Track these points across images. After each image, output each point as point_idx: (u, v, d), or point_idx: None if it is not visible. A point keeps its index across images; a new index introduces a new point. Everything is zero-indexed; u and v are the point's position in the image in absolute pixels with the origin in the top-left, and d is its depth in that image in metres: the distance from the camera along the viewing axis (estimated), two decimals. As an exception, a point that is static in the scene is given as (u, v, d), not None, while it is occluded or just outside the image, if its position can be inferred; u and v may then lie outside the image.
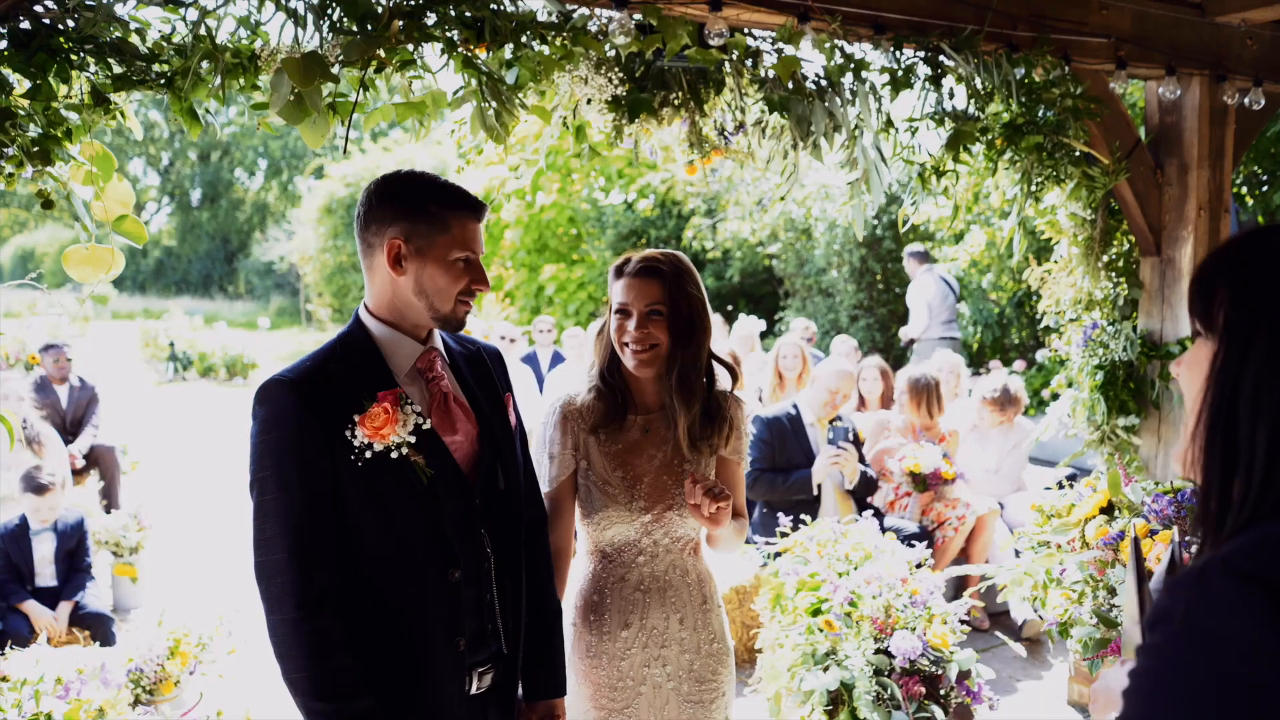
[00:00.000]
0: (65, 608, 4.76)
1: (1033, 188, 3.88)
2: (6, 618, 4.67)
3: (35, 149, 2.35)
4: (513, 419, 2.19)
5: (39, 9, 2.34)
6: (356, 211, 1.99)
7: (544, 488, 2.36)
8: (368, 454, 1.89)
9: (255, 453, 1.92)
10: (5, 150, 2.35)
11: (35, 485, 4.89)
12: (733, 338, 8.73)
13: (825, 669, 3.49)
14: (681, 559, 2.41)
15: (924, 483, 5.53)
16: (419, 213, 1.93)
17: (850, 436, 5.12)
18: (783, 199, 3.82)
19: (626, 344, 2.33)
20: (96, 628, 4.77)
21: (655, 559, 2.39)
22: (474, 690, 2.04)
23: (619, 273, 2.38)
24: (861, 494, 5.25)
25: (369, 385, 1.93)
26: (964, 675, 3.58)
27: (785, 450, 5.20)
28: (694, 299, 2.36)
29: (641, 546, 2.38)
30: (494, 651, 2.08)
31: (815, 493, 5.11)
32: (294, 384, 1.90)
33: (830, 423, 5.22)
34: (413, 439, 1.92)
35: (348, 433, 1.89)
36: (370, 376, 1.95)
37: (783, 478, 5.12)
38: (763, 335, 10.13)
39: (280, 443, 1.88)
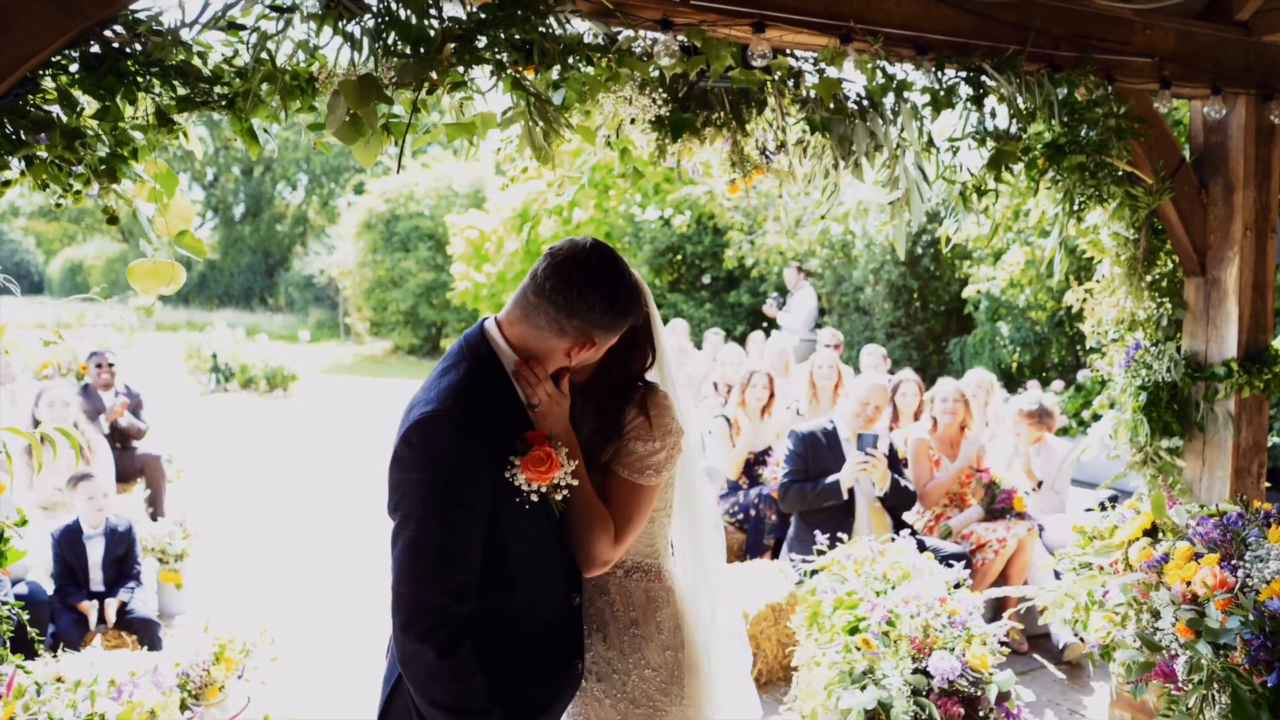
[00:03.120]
0: (113, 603, 4.89)
1: (1075, 207, 3.87)
2: (59, 619, 4.79)
3: (103, 167, 2.44)
4: None
5: (108, 34, 2.43)
6: (545, 280, 1.98)
7: None
8: (534, 497, 1.97)
9: (415, 489, 1.90)
10: (74, 168, 2.44)
11: (81, 474, 5.05)
12: (767, 354, 8.73)
13: (862, 688, 3.48)
14: (599, 577, 2.31)
15: (994, 497, 5.53)
16: (612, 329, 2.04)
17: (875, 443, 5.10)
18: (823, 218, 3.85)
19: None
20: (143, 632, 4.87)
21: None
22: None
23: None
24: (894, 505, 5.23)
25: (512, 419, 2.00)
26: (1003, 697, 3.55)
27: (819, 464, 5.21)
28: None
29: None
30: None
31: (845, 497, 5.10)
32: (456, 420, 1.91)
33: (859, 433, 5.22)
34: (575, 481, 2.02)
35: (508, 474, 1.95)
36: (510, 407, 2.02)
37: (811, 485, 5.14)
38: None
39: (446, 482, 1.89)
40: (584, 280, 1.96)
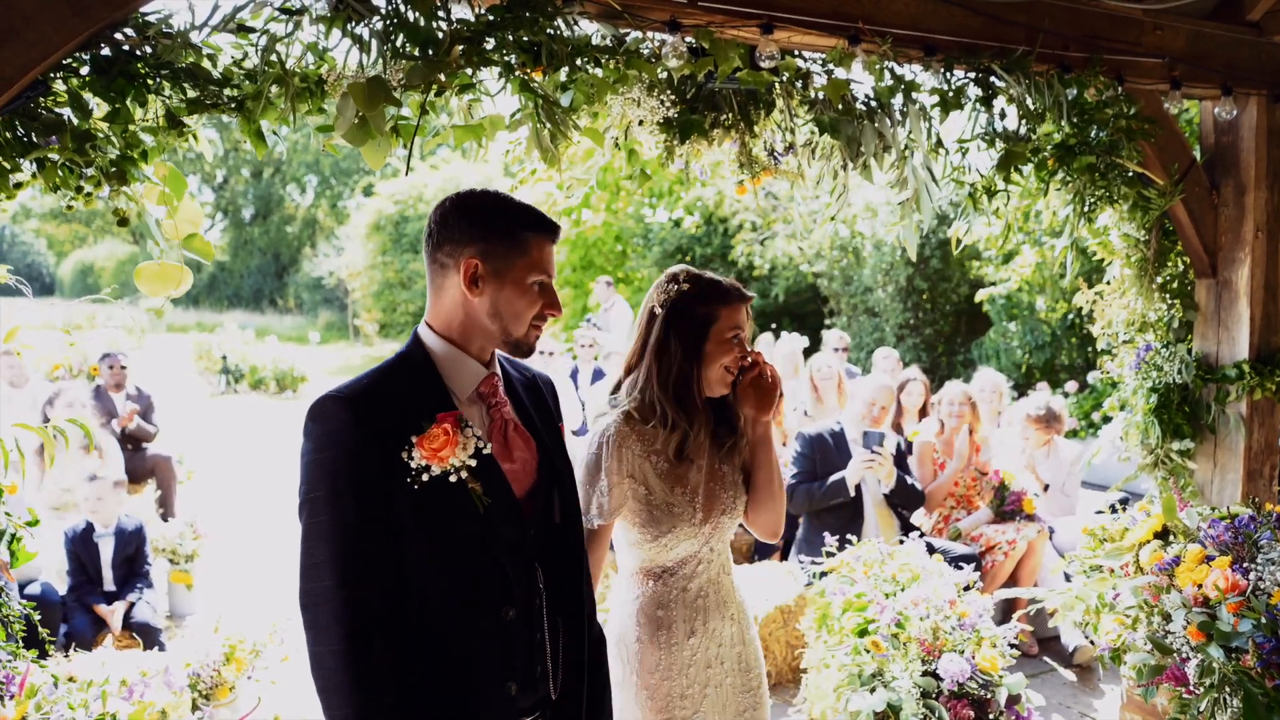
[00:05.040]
0: (121, 606, 4.92)
1: (1085, 208, 3.85)
2: (73, 619, 4.82)
3: (113, 169, 2.45)
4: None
5: (119, 37, 2.44)
6: (427, 229, 1.94)
7: (596, 519, 2.34)
8: (424, 477, 1.80)
9: (307, 472, 1.82)
10: (85, 170, 2.46)
11: (91, 474, 5.09)
12: (776, 356, 8.72)
13: (872, 690, 3.48)
14: (725, 559, 2.52)
15: (1003, 499, 5.52)
16: (498, 233, 1.88)
17: (881, 442, 5.09)
18: (833, 219, 3.83)
19: (729, 368, 2.39)
20: (145, 638, 4.89)
21: (710, 565, 2.47)
22: None
23: (724, 297, 2.37)
24: (901, 503, 5.22)
25: (428, 406, 1.85)
26: (1013, 700, 3.54)
27: (827, 465, 5.20)
28: None
29: (701, 556, 2.45)
30: (541, 697, 1.98)
31: (852, 494, 5.10)
32: (350, 401, 1.81)
33: (865, 431, 5.21)
34: (473, 463, 1.84)
35: (404, 454, 1.80)
36: (429, 397, 1.87)
37: (818, 485, 5.13)
38: (806, 353, 10.15)
39: (335, 462, 1.79)
40: (436, 209, 1.94)
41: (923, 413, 6.68)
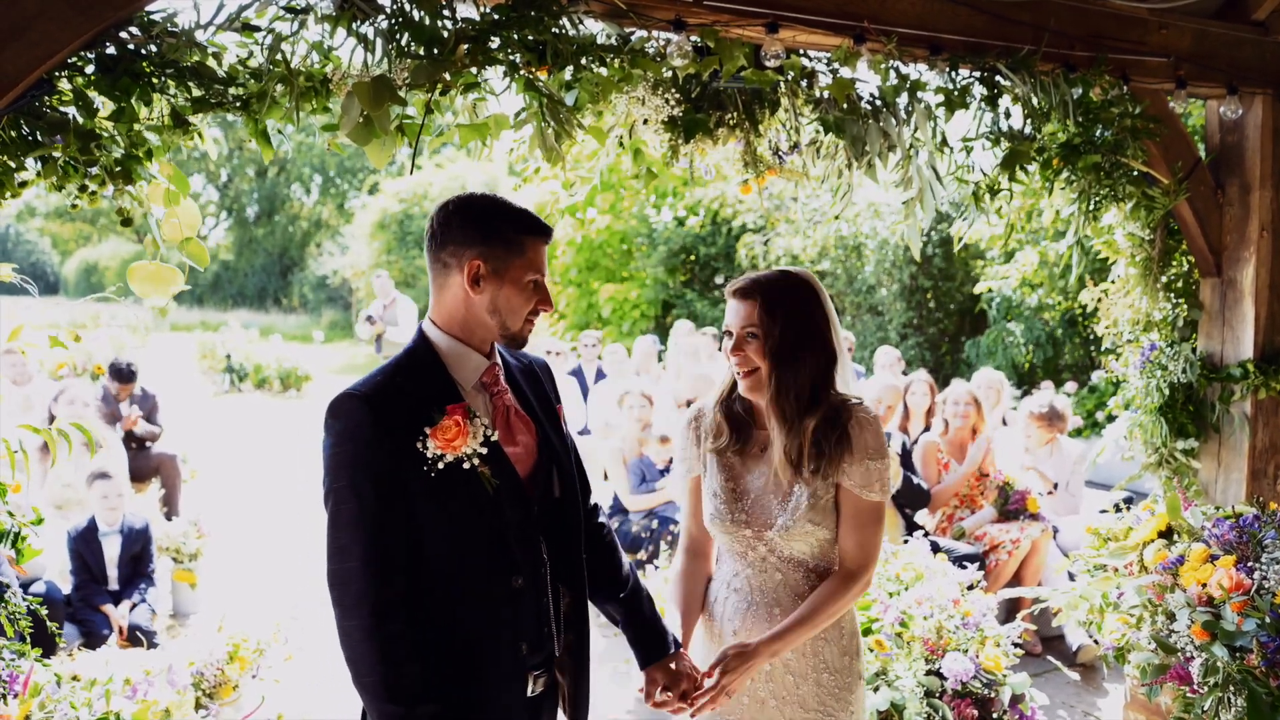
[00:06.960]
0: (126, 606, 4.92)
1: (1090, 207, 3.85)
2: (81, 617, 4.83)
3: (118, 168, 2.46)
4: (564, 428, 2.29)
5: (124, 35, 2.45)
6: (429, 230, 2.08)
7: (678, 484, 2.53)
8: (440, 465, 1.97)
9: (330, 465, 1.98)
10: (89, 170, 2.46)
11: (99, 472, 5.09)
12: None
13: (875, 689, 3.47)
14: (794, 579, 2.34)
15: (1007, 498, 5.52)
16: (497, 236, 2.04)
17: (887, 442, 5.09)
18: (837, 218, 3.83)
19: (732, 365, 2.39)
20: (138, 642, 4.88)
21: (763, 573, 2.36)
22: (530, 692, 2.12)
23: (729, 293, 2.41)
24: (907, 503, 5.21)
25: (437, 398, 2.01)
26: (1017, 699, 3.54)
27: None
28: (795, 320, 2.28)
29: (748, 559, 2.38)
30: (548, 654, 2.16)
31: None
32: (365, 398, 1.97)
33: None
34: (484, 450, 2.01)
35: (419, 445, 1.96)
36: (437, 390, 2.03)
37: None
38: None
39: (354, 455, 1.95)
40: (438, 212, 2.08)
41: (929, 415, 6.67)
